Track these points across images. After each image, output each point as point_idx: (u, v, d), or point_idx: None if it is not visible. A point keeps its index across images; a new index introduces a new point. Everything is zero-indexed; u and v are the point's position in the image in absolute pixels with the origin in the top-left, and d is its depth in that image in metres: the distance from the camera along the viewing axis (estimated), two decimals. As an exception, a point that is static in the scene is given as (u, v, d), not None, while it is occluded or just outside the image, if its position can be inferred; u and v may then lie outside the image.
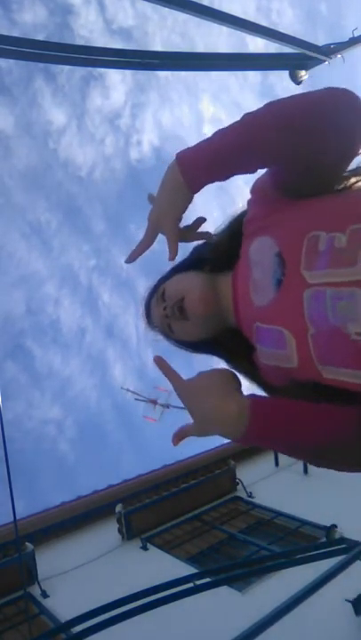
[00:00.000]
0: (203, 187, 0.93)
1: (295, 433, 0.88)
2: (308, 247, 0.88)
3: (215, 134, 0.91)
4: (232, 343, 1.11)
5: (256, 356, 1.03)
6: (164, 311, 1.11)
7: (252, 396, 0.89)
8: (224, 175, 0.92)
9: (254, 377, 1.08)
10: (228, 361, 1.15)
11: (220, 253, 1.11)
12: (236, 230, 1.07)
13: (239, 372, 1.07)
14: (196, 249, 1.19)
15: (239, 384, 0.91)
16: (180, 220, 0.95)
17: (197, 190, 0.93)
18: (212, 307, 1.07)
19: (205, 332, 1.11)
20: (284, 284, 0.91)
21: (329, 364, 0.87)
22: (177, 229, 0.95)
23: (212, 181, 0.92)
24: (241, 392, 0.89)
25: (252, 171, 0.95)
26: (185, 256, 1.20)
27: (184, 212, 0.95)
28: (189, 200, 0.93)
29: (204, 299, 1.07)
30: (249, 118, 0.90)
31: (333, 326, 0.84)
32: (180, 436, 0.89)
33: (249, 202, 1.05)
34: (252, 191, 1.04)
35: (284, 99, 0.91)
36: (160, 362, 0.92)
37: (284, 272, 0.91)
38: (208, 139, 0.91)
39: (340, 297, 0.83)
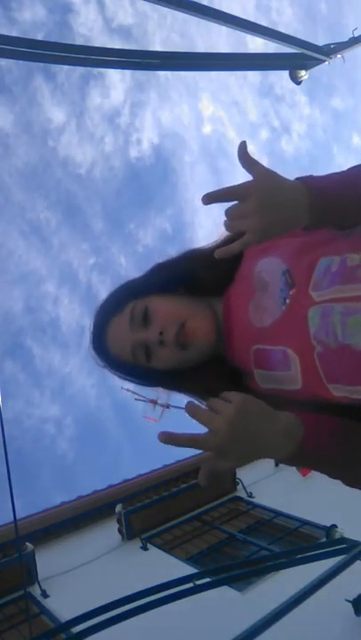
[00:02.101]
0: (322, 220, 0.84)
1: (340, 444, 0.84)
2: (321, 270, 0.87)
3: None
4: (214, 371, 1.01)
5: (253, 381, 0.98)
6: (160, 336, 0.95)
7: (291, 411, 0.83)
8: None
9: None
10: (202, 391, 1.01)
11: (221, 275, 1.01)
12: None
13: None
14: (180, 267, 1.05)
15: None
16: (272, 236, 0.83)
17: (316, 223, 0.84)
18: (214, 336, 0.98)
19: (196, 361, 1.00)
20: (290, 303, 0.89)
21: (339, 382, 0.85)
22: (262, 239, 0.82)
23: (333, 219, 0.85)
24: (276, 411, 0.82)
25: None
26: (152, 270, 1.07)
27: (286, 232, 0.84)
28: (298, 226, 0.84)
29: (210, 328, 0.97)
30: None
31: (343, 343, 0.82)
32: (207, 474, 0.80)
33: None
34: None
35: None
36: None
37: (290, 292, 0.89)
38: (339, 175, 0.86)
39: (350, 312, 0.82)
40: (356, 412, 0.88)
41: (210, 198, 0.80)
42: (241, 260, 1.01)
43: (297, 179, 0.83)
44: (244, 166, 0.81)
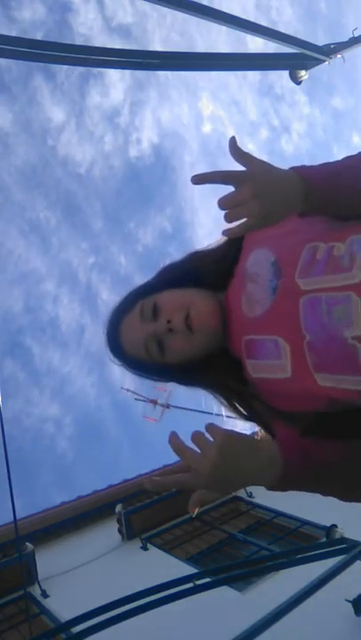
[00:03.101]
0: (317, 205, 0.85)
1: (325, 463, 0.86)
2: (306, 257, 0.88)
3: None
4: (221, 364, 1.04)
5: (247, 372, 1.00)
6: (168, 324, 0.99)
7: (274, 438, 0.87)
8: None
9: (243, 397, 1.04)
10: (215, 384, 1.07)
11: (224, 269, 1.05)
12: (237, 245, 1.04)
13: (226, 394, 1.05)
14: (186, 266, 1.09)
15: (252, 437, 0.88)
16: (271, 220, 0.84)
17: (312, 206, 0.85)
18: (219, 321, 1.01)
19: (205, 349, 1.02)
20: (278, 292, 0.90)
21: (325, 370, 0.87)
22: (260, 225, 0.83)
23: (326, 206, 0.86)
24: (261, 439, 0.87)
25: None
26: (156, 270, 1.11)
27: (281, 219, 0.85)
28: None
29: (213, 311, 1.01)
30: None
31: (330, 332, 0.84)
32: (197, 504, 0.82)
33: None
34: None
35: None
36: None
37: (279, 281, 0.90)
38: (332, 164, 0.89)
39: (336, 302, 0.83)
40: (336, 415, 0.90)
41: (200, 179, 0.81)
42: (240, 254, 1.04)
43: (291, 168, 0.85)
44: (237, 159, 0.82)
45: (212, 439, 0.79)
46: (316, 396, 0.89)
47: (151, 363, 1.04)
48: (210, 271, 1.06)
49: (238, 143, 0.82)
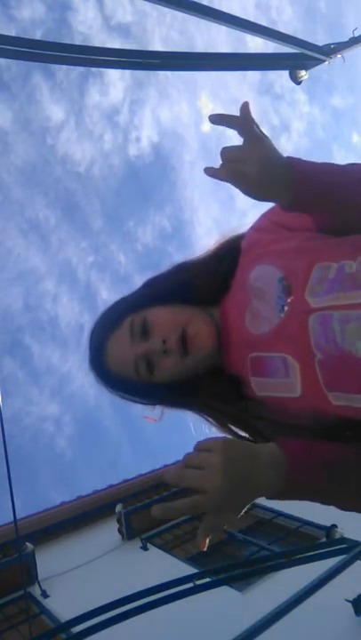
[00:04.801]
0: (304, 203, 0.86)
1: (331, 466, 0.82)
2: (316, 276, 0.87)
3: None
4: (212, 382, 0.99)
5: (250, 389, 0.96)
6: (163, 344, 0.94)
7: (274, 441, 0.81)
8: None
9: (238, 418, 1.00)
10: (205, 407, 1.01)
11: (217, 284, 1.00)
12: (230, 258, 1.00)
13: (218, 414, 1.00)
14: (174, 279, 1.04)
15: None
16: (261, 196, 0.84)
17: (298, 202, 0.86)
18: (216, 341, 0.96)
19: (197, 369, 0.97)
20: (287, 310, 0.88)
21: (338, 389, 0.84)
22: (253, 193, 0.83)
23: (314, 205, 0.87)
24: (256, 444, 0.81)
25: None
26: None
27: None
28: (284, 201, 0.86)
29: (210, 332, 0.96)
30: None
31: (343, 350, 0.82)
32: (207, 534, 0.77)
33: (255, 227, 1.00)
34: (266, 218, 0.99)
35: None
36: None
37: (288, 298, 0.88)
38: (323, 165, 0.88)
39: (349, 319, 0.82)
40: (344, 428, 0.88)
41: (218, 119, 0.83)
42: (235, 268, 1.00)
43: (288, 157, 0.84)
44: (249, 127, 0.82)
45: (207, 453, 0.74)
46: (327, 413, 0.87)
47: (138, 382, 0.99)
48: (202, 286, 1.01)
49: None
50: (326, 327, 0.84)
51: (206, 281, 1.01)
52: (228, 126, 0.83)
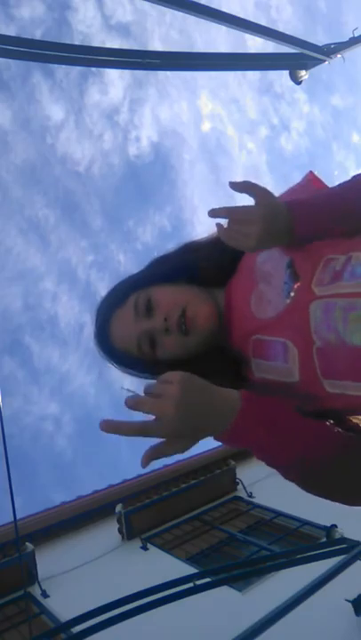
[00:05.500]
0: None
1: (287, 429, 0.81)
2: (324, 266, 0.88)
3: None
4: (215, 361, 1.00)
5: (250, 371, 0.98)
6: (164, 322, 0.96)
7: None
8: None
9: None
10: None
11: (223, 266, 1.03)
12: None
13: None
14: (181, 259, 1.06)
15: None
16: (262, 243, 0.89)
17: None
18: (216, 322, 0.99)
19: (199, 348, 0.99)
20: (293, 296, 0.89)
21: (334, 377, 0.85)
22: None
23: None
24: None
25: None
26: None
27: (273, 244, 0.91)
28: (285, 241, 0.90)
29: (210, 313, 0.98)
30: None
31: (343, 339, 0.82)
32: (152, 458, 0.76)
33: None
34: None
35: None
36: None
37: (295, 285, 0.90)
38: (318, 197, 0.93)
39: (353, 307, 0.82)
40: (329, 416, 0.87)
41: (242, 187, 0.88)
42: (243, 252, 1.01)
43: (286, 204, 0.89)
44: (246, 192, 0.88)
45: (166, 384, 0.76)
46: (320, 400, 0.88)
47: (141, 358, 1.01)
48: (208, 267, 1.03)
49: (236, 181, 0.88)
50: (328, 314, 0.84)
51: (213, 262, 1.03)
52: (247, 193, 0.88)
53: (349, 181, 0.92)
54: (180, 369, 0.97)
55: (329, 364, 0.85)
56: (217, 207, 0.88)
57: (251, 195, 0.88)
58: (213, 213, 0.88)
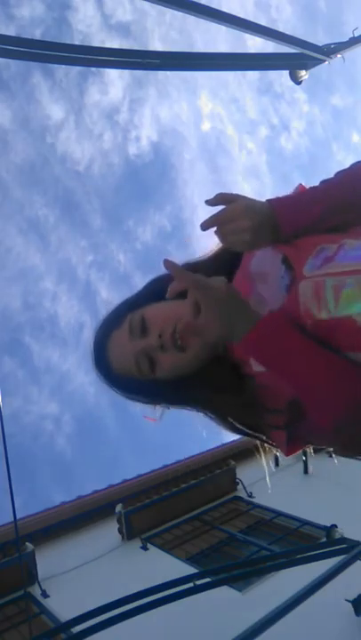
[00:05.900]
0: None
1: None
2: (317, 254, 0.89)
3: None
4: (217, 374, 0.99)
5: (250, 369, 0.96)
6: (159, 339, 0.94)
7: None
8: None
9: (244, 410, 0.98)
10: (207, 402, 1.02)
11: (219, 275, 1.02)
12: (232, 255, 1.01)
13: (221, 408, 1.00)
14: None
15: None
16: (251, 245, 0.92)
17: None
18: None
19: (198, 363, 0.98)
20: (291, 287, 0.90)
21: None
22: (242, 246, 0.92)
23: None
24: None
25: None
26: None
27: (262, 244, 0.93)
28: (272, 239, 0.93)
29: None
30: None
31: (335, 315, 0.83)
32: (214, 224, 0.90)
33: None
34: None
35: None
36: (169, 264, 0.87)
37: (290, 277, 0.90)
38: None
39: (344, 285, 0.83)
40: None
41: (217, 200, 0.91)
42: (238, 264, 1.02)
43: (267, 200, 0.92)
44: (223, 203, 0.91)
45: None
46: None
47: (141, 379, 0.99)
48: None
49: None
50: (319, 293, 0.85)
51: (208, 273, 1.01)
52: (222, 203, 0.92)
53: (333, 178, 0.95)
54: (183, 385, 0.99)
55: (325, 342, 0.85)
56: (203, 220, 0.91)
57: (225, 203, 0.91)
58: (204, 227, 0.90)
